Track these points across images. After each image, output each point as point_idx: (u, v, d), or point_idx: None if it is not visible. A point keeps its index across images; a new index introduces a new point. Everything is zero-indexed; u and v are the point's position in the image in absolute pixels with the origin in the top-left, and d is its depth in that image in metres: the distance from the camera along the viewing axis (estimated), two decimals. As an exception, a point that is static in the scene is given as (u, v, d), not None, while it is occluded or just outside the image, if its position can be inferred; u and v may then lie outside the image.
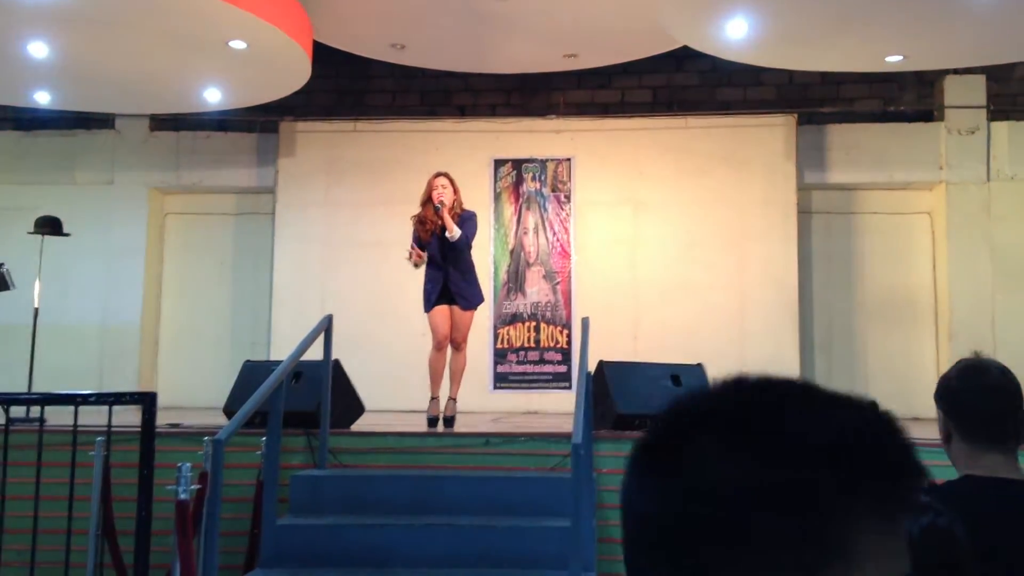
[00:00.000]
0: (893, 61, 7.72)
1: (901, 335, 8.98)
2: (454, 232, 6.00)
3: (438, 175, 6.18)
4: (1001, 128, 8.81)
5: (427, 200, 6.12)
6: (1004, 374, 1.87)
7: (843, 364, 9.01)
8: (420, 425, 6.03)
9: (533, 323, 8.93)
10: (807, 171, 8.98)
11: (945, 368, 8.25)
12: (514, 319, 8.95)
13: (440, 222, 6.04)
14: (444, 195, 6.05)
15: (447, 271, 6.08)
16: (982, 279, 8.63)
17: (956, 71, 8.73)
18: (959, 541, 1.33)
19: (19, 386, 6.94)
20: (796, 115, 8.94)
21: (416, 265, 6.08)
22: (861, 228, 9.20)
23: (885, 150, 8.91)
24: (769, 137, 8.91)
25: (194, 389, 9.03)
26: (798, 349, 8.67)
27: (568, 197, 9.05)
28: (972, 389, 1.90)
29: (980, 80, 8.81)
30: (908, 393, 8.81)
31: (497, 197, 9.08)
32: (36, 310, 7.15)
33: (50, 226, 7.30)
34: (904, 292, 9.04)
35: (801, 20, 6.88)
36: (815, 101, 9.22)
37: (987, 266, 8.64)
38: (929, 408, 7.69)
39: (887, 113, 9.16)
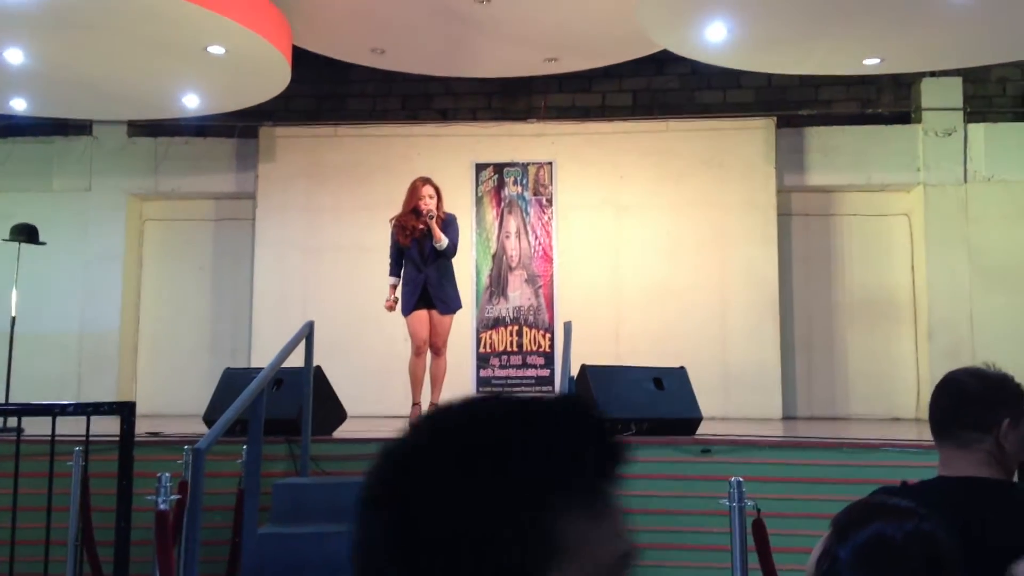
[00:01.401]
0: (870, 64, 7.78)
1: (880, 336, 9.04)
2: (443, 241, 6.00)
3: (424, 183, 6.14)
4: (978, 130, 8.89)
5: (413, 208, 6.09)
6: (972, 375, 1.88)
7: (823, 365, 9.06)
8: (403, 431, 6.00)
9: (515, 327, 8.93)
10: (786, 173, 9.03)
11: (924, 368, 8.29)
12: (496, 323, 8.94)
13: (423, 228, 6.04)
14: (431, 205, 6.04)
15: (427, 275, 6.06)
16: (960, 280, 8.70)
17: (933, 73, 8.81)
18: (943, 544, 1.33)
19: (-4, 395, 6.87)
20: (775, 118, 8.99)
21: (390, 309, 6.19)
22: (840, 230, 9.26)
23: (863, 152, 8.97)
24: (749, 140, 8.96)
25: (174, 397, 8.96)
26: (779, 350, 8.71)
27: (550, 201, 9.06)
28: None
29: (956, 82, 8.89)
30: (888, 393, 8.89)
31: (479, 201, 9.07)
32: (13, 318, 7.08)
33: (26, 234, 7.24)
34: (883, 293, 9.11)
35: (779, 24, 6.91)
36: (794, 104, 9.27)
37: (965, 267, 8.71)
38: (907, 408, 7.73)
39: (865, 115, 9.22)
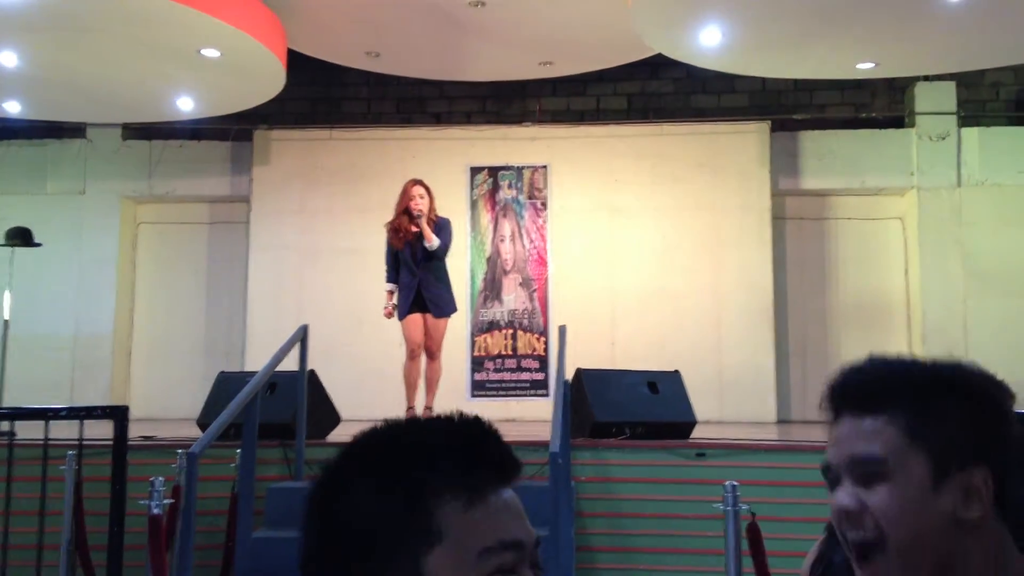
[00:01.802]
0: (865, 68, 7.80)
1: (874, 339, 9.05)
2: (433, 242, 5.99)
3: (415, 183, 6.15)
4: (971, 134, 8.92)
5: (404, 210, 6.09)
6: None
7: (817, 368, 9.06)
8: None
9: (510, 331, 8.93)
10: (781, 177, 9.05)
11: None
12: (491, 327, 8.94)
13: (416, 230, 6.04)
14: (422, 205, 6.04)
15: (420, 279, 6.06)
16: (954, 283, 8.72)
17: (926, 78, 8.83)
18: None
19: (-11, 399, 6.84)
20: (769, 122, 9.01)
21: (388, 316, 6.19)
22: (834, 233, 9.28)
23: (857, 156, 8.99)
24: (743, 144, 8.97)
25: (168, 400, 8.94)
26: (773, 354, 8.72)
27: (544, 204, 9.06)
28: None
29: (950, 86, 8.92)
30: (882, 397, 8.89)
31: (473, 204, 9.07)
32: (6, 322, 7.06)
33: (21, 237, 7.21)
34: (877, 297, 9.13)
35: (774, 28, 6.93)
36: (788, 108, 9.30)
37: (958, 270, 8.74)
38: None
39: (859, 120, 9.25)
